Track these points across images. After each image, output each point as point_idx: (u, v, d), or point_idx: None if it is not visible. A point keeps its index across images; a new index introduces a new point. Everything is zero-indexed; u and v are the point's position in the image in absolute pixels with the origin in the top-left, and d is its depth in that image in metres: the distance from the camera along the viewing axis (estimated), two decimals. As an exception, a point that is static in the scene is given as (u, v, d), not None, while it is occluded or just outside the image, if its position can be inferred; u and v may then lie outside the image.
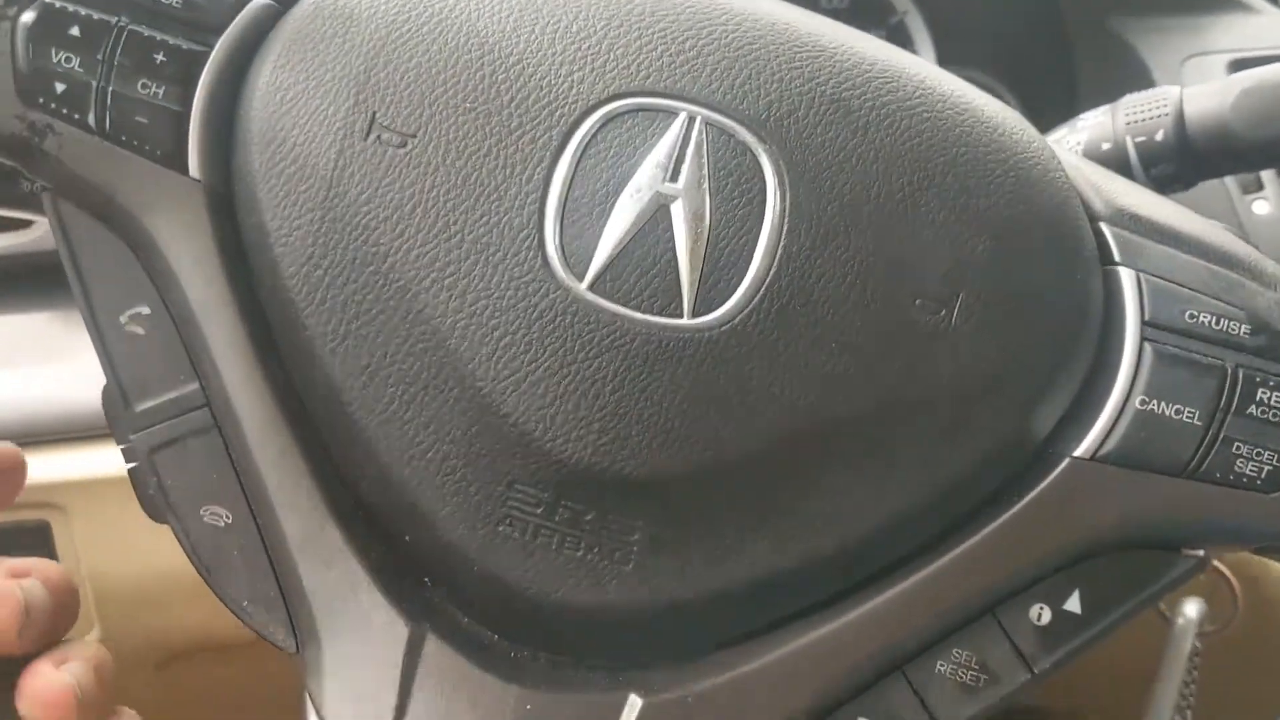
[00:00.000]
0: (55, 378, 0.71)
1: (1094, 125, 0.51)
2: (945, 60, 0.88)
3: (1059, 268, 0.37)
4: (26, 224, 0.73)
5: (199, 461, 0.37)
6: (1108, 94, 0.81)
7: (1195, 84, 0.52)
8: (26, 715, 0.38)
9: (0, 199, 0.44)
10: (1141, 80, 0.74)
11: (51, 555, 0.72)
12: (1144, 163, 0.50)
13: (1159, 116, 0.50)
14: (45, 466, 0.70)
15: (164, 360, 0.37)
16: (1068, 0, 0.85)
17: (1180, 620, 0.68)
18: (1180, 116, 0.49)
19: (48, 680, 0.38)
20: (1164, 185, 0.50)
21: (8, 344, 0.73)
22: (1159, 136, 0.49)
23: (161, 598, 0.73)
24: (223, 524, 0.37)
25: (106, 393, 0.38)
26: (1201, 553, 0.38)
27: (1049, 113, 0.89)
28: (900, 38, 0.88)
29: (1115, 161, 0.50)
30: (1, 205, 0.45)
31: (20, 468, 0.43)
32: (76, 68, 0.36)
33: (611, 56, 0.36)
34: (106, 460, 0.70)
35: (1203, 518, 0.37)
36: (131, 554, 0.72)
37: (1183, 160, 0.50)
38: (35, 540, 0.71)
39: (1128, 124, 0.50)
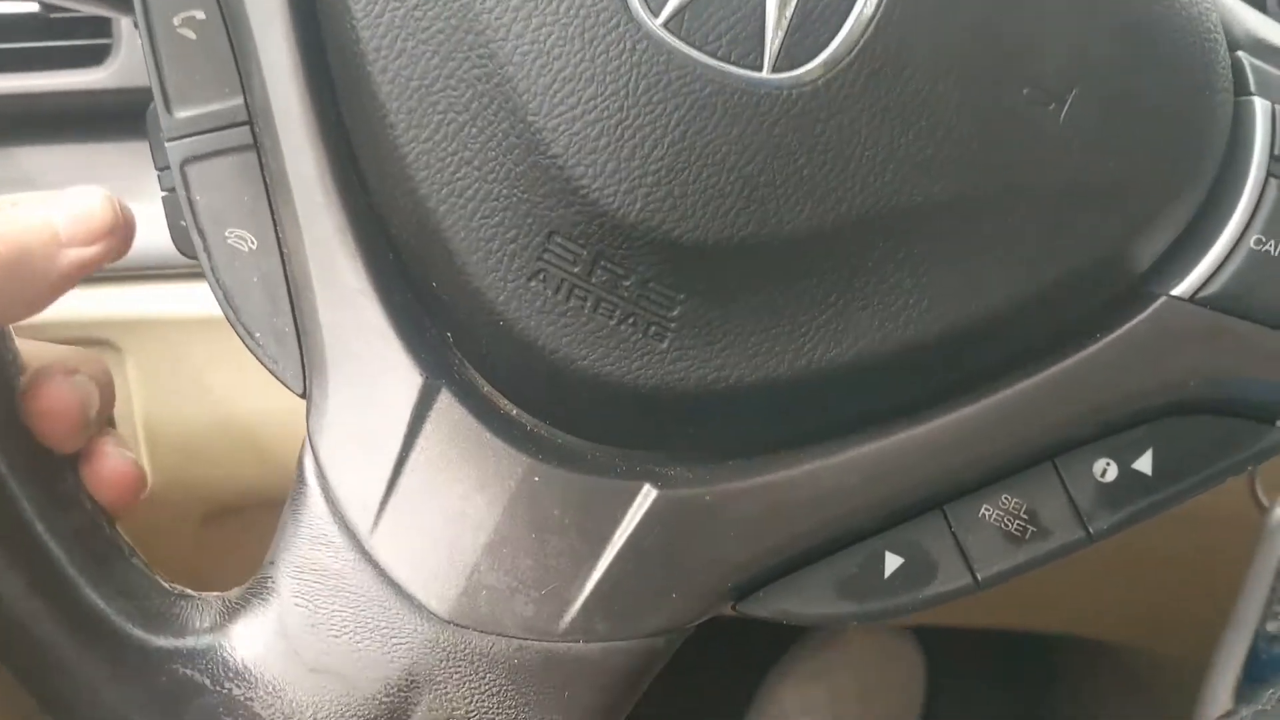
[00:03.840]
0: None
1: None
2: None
3: (1187, 82, 0.34)
4: (100, 60, 0.72)
5: (232, 180, 0.36)
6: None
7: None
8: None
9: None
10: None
11: (106, 395, 0.72)
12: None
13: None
14: (103, 302, 0.69)
15: (212, 70, 0.36)
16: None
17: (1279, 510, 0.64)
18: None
19: (118, 461, 0.39)
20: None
21: (77, 181, 0.72)
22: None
23: (212, 448, 0.73)
24: (246, 248, 0.36)
25: (151, 109, 0.36)
26: None
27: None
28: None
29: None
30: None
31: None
32: None
33: None
34: (165, 299, 0.69)
35: None
36: (185, 400, 0.72)
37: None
38: (90, 379, 0.70)
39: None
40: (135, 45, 0.71)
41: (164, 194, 0.37)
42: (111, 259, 0.38)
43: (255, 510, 0.76)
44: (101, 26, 0.71)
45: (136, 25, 0.36)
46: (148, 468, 0.74)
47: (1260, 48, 0.36)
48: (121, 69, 0.71)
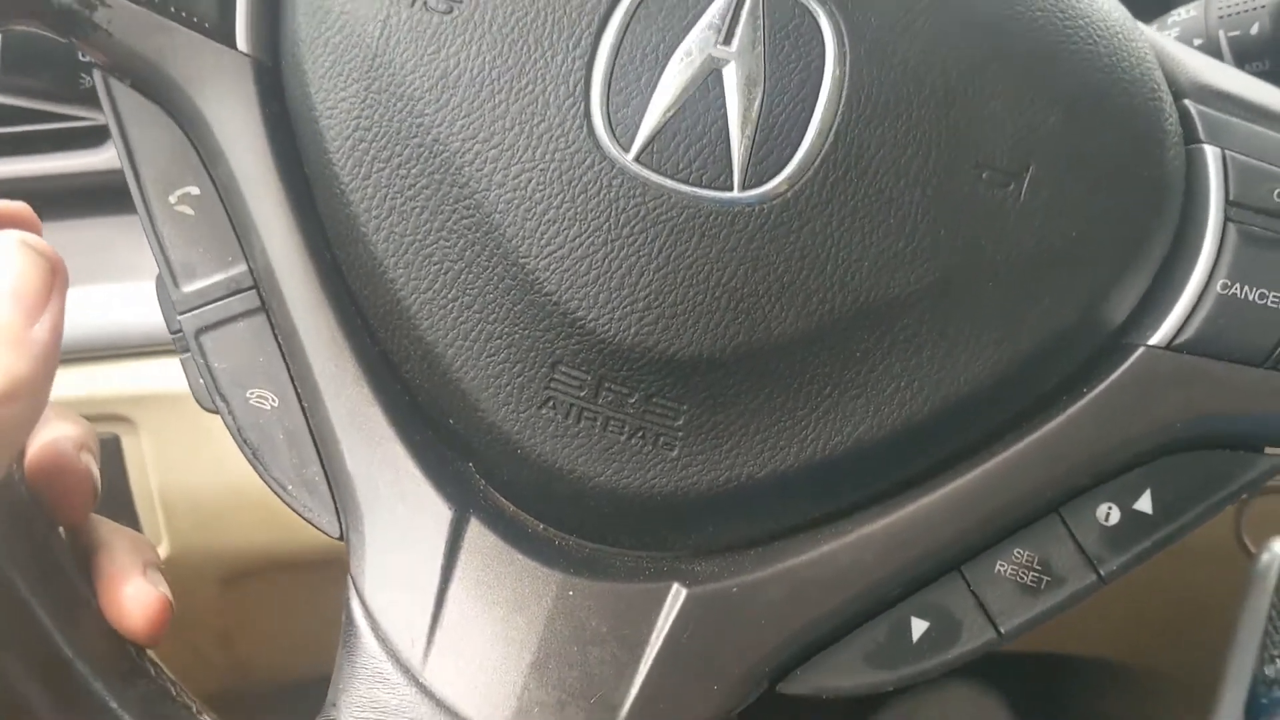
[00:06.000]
0: (126, 294, 0.72)
1: (1185, 21, 0.49)
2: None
3: (1137, 142, 0.35)
4: (98, 143, 0.74)
5: (246, 344, 0.37)
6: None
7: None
8: (129, 627, 0.39)
9: (62, 97, 0.45)
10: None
11: (121, 469, 0.73)
12: (1237, 58, 0.47)
13: (1254, 9, 0.47)
14: (115, 379, 0.71)
15: (212, 241, 0.37)
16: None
17: (1266, 556, 0.65)
18: (1277, 8, 0.47)
19: (148, 594, 0.38)
20: (1259, 81, 0.48)
21: (80, 260, 0.74)
22: (1254, 30, 0.47)
23: (228, 515, 0.74)
24: (268, 406, 0.37)
25: (159, 278, 0.37)
26: None
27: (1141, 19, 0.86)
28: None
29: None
30: (62, 102, 0.45)
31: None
32: None
33: None
34: (175, 375, 0.71)
35: None
36: (199, 470, 0.73)
37: (1279, 54, 0.47)
38: (105, 453, 0.72)
39: (1220, 18, 0.48)
40: (132, 125, 0.73)
41: (182, 357, 0.38)
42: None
43: (272, 572, 0.78)
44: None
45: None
46: (164, 536, 0.76)
47: (1206, 94, 0.37)
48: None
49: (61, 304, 0.35)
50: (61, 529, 0.40)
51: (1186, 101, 0.36)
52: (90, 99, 0.43)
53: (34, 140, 0.74)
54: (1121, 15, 0.36)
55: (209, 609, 0.79)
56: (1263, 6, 0.47)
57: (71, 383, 0.71)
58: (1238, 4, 0.48)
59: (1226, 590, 0.68)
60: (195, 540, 0.75)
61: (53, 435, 0.40)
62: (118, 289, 0.72)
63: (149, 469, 0.73)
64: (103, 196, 0.75)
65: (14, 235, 0.35)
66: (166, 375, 0.71)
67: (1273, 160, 0.35)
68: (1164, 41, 0.38)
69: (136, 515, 0.74)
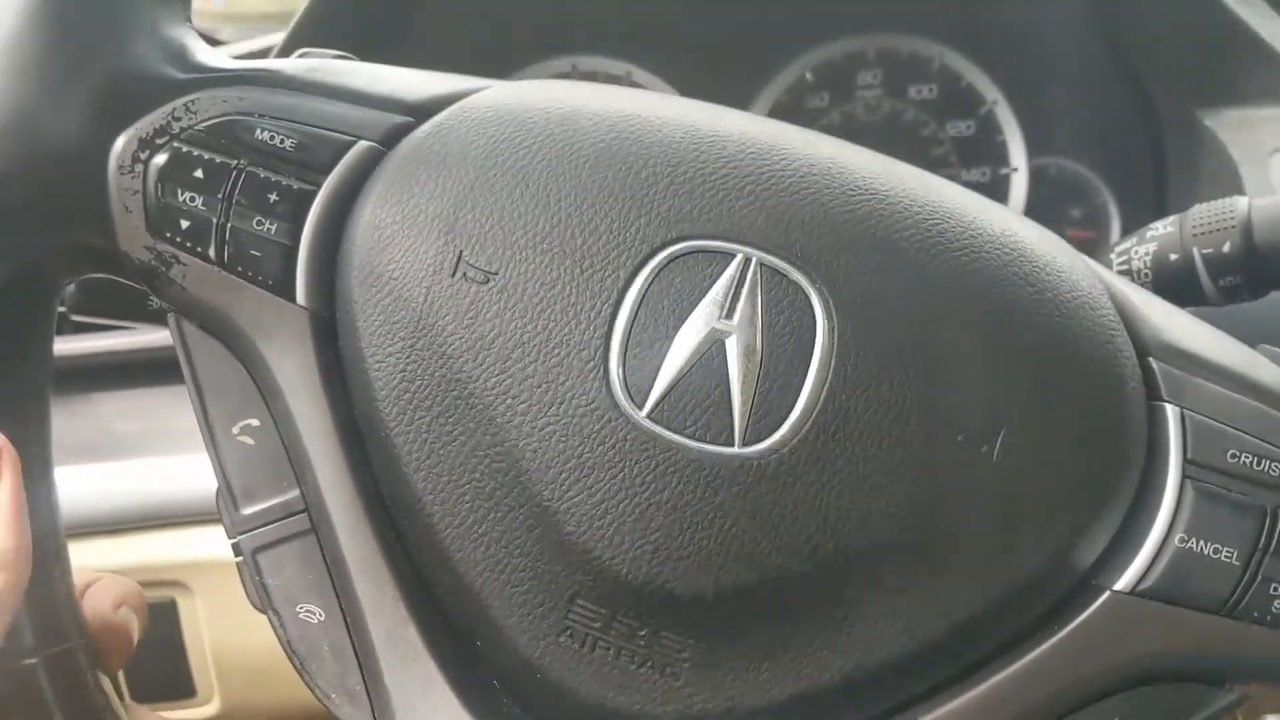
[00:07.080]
0: (182, 465, 0.76)
1: (1162, 236, 0.52)
2: (1034, 149, 0.89)
3: (1102, 405, 0.38)
4: (164, 319, 0.78)
5: (296, 562, 0.40)
6: (1196, 182, 0.81)
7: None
8: None
9: (133, 315, 0.49)
10: (1228, 171, 0.75)
11: (177, 631, 0.77)
12: (1211, 274, 0.50)
13: (1226, 228, 0.50)
14: (171, 547, 0.75)
15: (270, 468, 0.41)
16: (1157, 90, 0.86)
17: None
18: (1248, 228, 0.50)
19: None
20: (1231, 296, 0.50)
21: (136, 427, 0.79)
22: (1226, 248, 0.50)
23: (278, 672, 0.77)
24: (315, 620, 0.40)
25: (219, 494, 0.41)
26: (1245, 687, 0.39)
27: (1137, 200, 0.90)
28: (989, 127, 0.89)
29: (1183, 272, 0.51)
30: (133, 320, 0.50)
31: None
32: (200, 206, 0.40)
33: (675, 203, 0.38)
34: (226, 542, 0.75)
35: (1241, 654, 0.38)
36: (250, 630, 0.76)
37: (1250, 272, 0.50)
38: (161, 616, 0.76)
39: (1195, 235, 0.51)
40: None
41: (238, 560, 0.42)
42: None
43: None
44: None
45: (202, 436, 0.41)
46: (216, 692, 0.79)
47: (1169, 353, 0.40)
48: (178, 329, 0.78)
49: (14, 479, 0.39)
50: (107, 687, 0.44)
51: (1151, 360, 0.40)
52: (155, 317, 0.47)
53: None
54: (1089, 285, 0.40)
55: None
56: (1233, 226, 0.50)
57: (128, 550, 0.75)
58: (1210, 223, 0.51)
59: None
60: (247, 697, 0.78)
61: (96, 592, 0.45)
62: (170, 461, 0.76)
63: (203, 630, 0.77)
64: (158, 369, 0.80)
65: None
66: (217, 543, 0.75)
67: (1226, 420, 0.39)
68: (1131, 295, 0.42)
69: (191, 674, 0.78)
